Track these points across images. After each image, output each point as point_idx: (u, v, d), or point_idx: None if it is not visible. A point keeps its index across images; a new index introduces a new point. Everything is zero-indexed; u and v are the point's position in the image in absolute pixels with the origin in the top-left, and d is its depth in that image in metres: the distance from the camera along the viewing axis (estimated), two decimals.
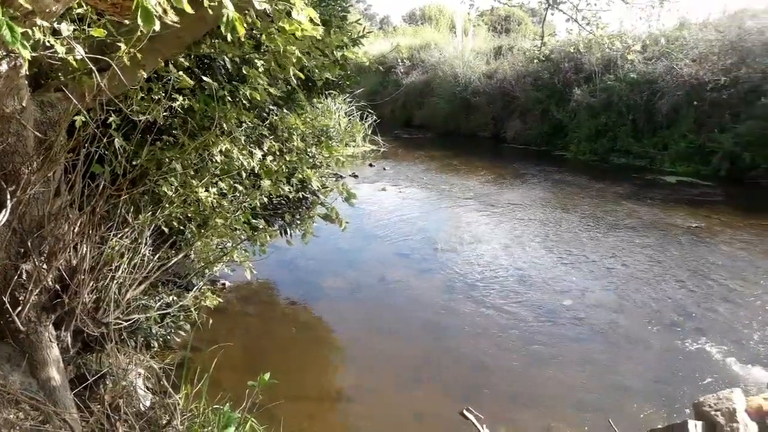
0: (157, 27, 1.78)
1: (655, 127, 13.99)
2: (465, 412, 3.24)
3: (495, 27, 26.21)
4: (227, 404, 3.15)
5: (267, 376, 2.94)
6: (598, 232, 8.41)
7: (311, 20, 2.59)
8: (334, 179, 5.89)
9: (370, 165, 13.96)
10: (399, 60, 22.99)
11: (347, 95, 14.60)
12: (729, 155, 11.90)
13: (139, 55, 2.27)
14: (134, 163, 3.11)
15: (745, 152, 11.60)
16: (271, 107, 4.72)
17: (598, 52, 15.57)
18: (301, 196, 5.35)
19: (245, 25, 2.61)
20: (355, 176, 12.31)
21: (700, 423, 3.01)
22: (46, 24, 1.96)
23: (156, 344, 4.44)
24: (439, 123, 20.01)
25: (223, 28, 2.08)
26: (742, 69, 12.43)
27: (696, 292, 6.11)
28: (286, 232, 5.56)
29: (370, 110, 16.18)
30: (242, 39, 3.47)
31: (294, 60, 3.26)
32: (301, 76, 3.68)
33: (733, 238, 7.91)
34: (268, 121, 4.61)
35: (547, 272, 6.82)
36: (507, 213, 9.60)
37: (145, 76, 2.67)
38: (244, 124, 4.02)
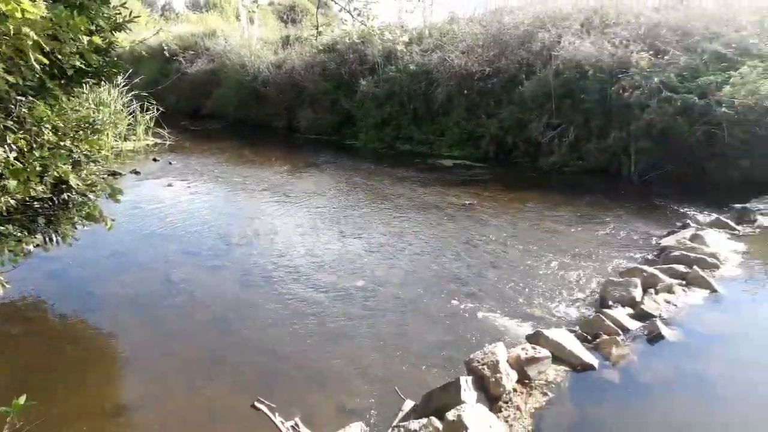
0: None
1: (433, 115, 15.12)
2: (256, 403, 3.19)
3: (282, 17, 26.16)
4: None
5: (22, 399, 2.59)
6: (387, 214, 8.88)
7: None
8: (106, 176, 5.39)
9: (155, 160, 13.09)
10: (166, 46, 21.85)
11: (124, 84, 13.52)
12: (495, 139, 13.32)
13: None
14: None
15: (507, 135, 13.08)
16: (18, 97, 4.15)
17: (379, 44, 16.35)
18: (66, 197, 4.81)
19: None
20: (137, 173, 11.47)
21: (470, 378, 3.33)
22: None
23: None
24: (229, 113, 19.52)
25: None
26: (503, 60, 13.95)
27: (470, 261, 6.75)
28: (50, 239, 4.96)
29: (152, 101, 15.15)
30: None
31: (30, 43, 2.89)
32: (44, 60, 3.27)
33: (500, 211, 8.90)
34: (14, 114, 4.05)
35: (341, 256, 7.02)
36: (302, 202, 9.68)
37: None
38: None
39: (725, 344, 4.28)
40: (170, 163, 12.83)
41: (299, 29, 21.24)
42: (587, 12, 13.84)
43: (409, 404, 3.42)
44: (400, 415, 3.36)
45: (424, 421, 2.90)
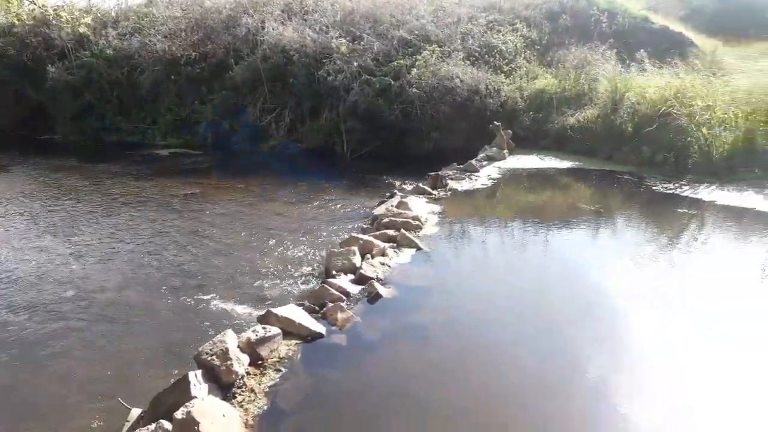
0: None
1: (141, 103, 14.12)
2: None
3: None
4: None
5: None
6: (98, 214, 8.03)
7: None
8: None
9: None
10: None
11: None
12: (212, 124, 13.00)
13: None
14: None
15: (224, 121, 12.87)
16: None
17: (68, 27, 14.58)
18: None
19: None
20: None
21: (200, 371, 3.20)
22: None
23: None
24: None
25: None
26: (209, 45, 13.60)
27: (196, 252, 6.50)
28: None
29: None
30: None
31: None
32: None
33: (224, 198, 8.74)
34: None
35: (43, 267, 6.13)
36: None
37: None
38: None
39: (432, 293, 4.87)
40: None
41: None
42: None
43: (135, 413, 3.15)
44: (126, 426, 3.08)
45: (152, 426, 2.71)
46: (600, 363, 3.57)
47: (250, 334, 3.61)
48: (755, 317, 4.21)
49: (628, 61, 11.18)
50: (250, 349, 3.52)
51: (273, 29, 12.80)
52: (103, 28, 15.17)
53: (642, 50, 11.44)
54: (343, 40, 12.08)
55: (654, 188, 7.88)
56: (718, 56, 11.90)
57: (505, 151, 10.14)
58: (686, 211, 6.96)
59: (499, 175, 8.93)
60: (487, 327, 4.22)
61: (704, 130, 8.46)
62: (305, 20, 13.27)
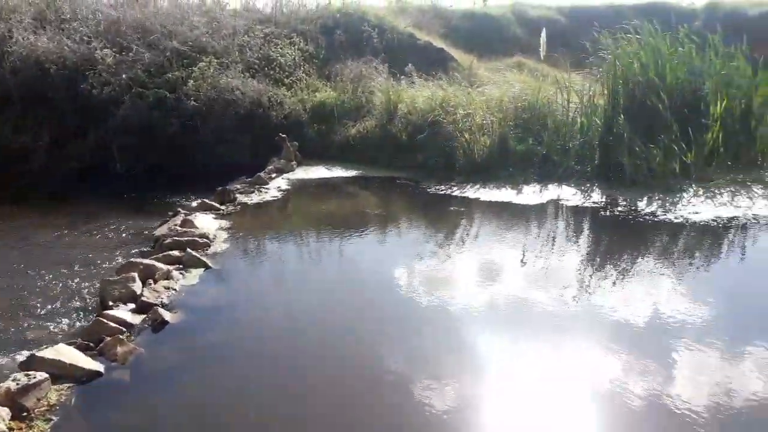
0: None
1: None
2: None
3: None
4: None
5: None
6: None
7: None
8: None
9: None
10: None
11: None
12: None
13: None
14: None
15: None
16: None
17: None
18: None
19: None
20: None
21: None
22: None
23: None
24: None
25: None
26: None
27: None
28: None
29: None
30: None
31: None
32: None
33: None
34: None
35: None
36: None
37: None
38: None
39: (224, 312, 4.72)
40: None
41: None
42: (39, 5, 12.79)
43: None
44: None
45: None
46: (404, 350, 3.78)
47: (9, 384, 3.16)
48: (520, 293, 4.80)
49: (398, 75, 12.01)
50: (11, 401, 3.08)
51: (23, 39, 11.35)
52: None
53: (410, 64, 12.40)
54: (109, 51, 11.16)
55: (428, 190, 8.59)
56: (474, 69, 13.36)
57: (293, 162, 10.25)
58: (456, 208, 7.71)
59: (289, 187, 8.99)
60: (285, 337, 4.23)
61: (467, 135, 9.43)
62: (62, 29, 11.99)
